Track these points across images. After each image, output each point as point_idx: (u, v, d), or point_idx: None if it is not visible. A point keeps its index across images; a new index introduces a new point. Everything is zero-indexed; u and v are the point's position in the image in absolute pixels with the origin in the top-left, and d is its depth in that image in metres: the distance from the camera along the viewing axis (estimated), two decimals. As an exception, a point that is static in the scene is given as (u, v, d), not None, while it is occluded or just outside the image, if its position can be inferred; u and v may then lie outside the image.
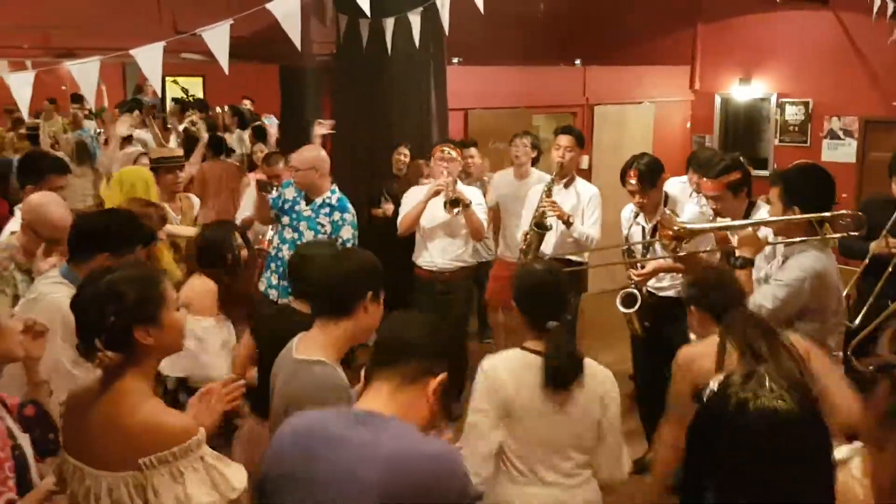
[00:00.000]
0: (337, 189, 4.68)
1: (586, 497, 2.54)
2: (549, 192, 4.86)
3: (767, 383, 1.71)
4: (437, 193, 4.91)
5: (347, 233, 4.59)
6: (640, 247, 4.50)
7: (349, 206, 4.66)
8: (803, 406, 1.68)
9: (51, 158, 4.52)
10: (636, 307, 4.30)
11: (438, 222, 5.05)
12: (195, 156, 6.84)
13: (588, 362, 2.54)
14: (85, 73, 4.69)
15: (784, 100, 8.58)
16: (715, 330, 2.96)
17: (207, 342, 3.31)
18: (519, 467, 2.50)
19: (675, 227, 3.51)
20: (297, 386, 2.22)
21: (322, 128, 6.03)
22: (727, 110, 9.07)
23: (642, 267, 4.30)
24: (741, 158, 4.23)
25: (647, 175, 4.25)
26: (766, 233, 3.53)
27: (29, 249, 3.30)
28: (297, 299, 3.05)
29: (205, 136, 7.69)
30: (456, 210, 4.86)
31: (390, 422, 1.64)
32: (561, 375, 2.44)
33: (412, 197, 5.16)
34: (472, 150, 6.22)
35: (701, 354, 2.63)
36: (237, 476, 1.89)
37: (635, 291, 4.32)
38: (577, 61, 8.43)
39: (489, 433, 2.44)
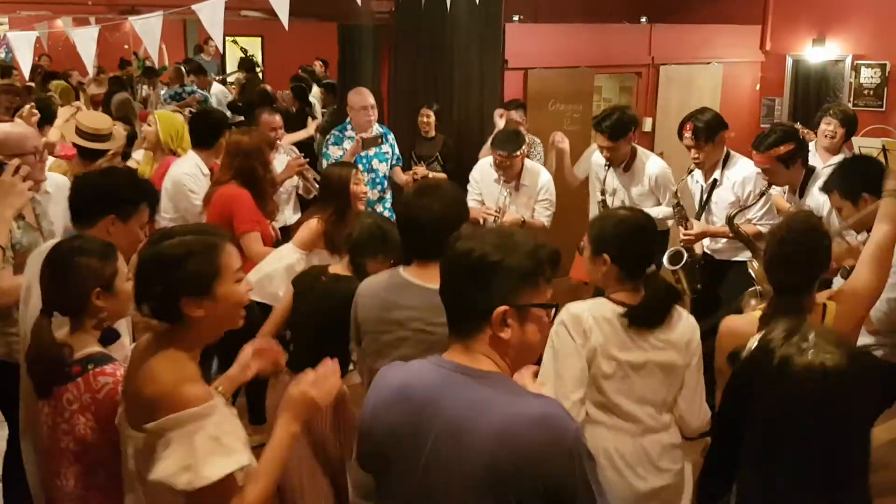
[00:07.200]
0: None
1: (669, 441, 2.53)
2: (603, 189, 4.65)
3: (811, 338, 1.73)
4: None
5: (396, 150, 5.40)
6: (695, 206, 4.42)
7: None
8: (851, 361, 1.70)
9: None
10: (681, 264, 4.23)
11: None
12: None
13: (679, 308, 2.48)
14: (148, 29, 4.71)
15: (860, 62, 8.17)
16: None
17: None
18: (603, 417, 2.45)
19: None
20: None
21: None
22: (798, 72, 8.70)
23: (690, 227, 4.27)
24: (797, 127, 4.23)
25: (702, 130, 4.17)
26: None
27: None
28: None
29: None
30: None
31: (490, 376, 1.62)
32: (656, 313, 2.42)
33: (480, 171, 4.95)
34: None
35: (744, 326, 2.54)
36: (237, 455, 1.77)
37: (682, 249, 4.27)
38: (643, 19, 8.14)
39: (578, 381, 2.38)
